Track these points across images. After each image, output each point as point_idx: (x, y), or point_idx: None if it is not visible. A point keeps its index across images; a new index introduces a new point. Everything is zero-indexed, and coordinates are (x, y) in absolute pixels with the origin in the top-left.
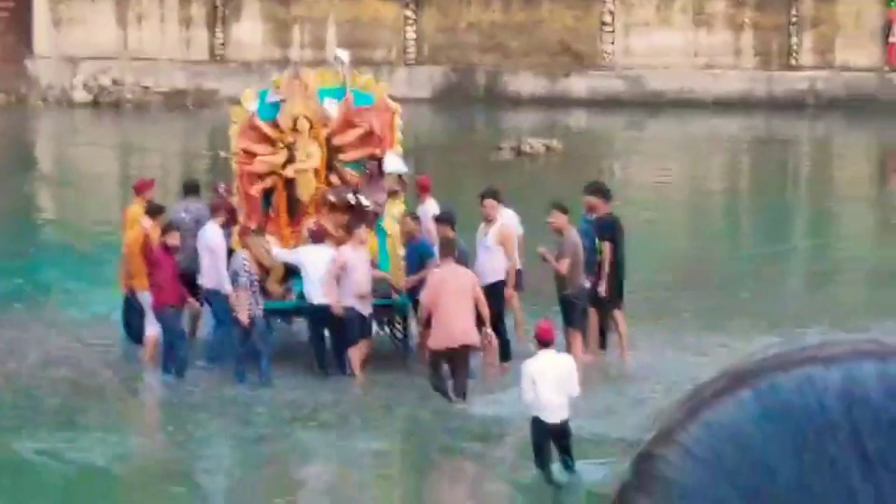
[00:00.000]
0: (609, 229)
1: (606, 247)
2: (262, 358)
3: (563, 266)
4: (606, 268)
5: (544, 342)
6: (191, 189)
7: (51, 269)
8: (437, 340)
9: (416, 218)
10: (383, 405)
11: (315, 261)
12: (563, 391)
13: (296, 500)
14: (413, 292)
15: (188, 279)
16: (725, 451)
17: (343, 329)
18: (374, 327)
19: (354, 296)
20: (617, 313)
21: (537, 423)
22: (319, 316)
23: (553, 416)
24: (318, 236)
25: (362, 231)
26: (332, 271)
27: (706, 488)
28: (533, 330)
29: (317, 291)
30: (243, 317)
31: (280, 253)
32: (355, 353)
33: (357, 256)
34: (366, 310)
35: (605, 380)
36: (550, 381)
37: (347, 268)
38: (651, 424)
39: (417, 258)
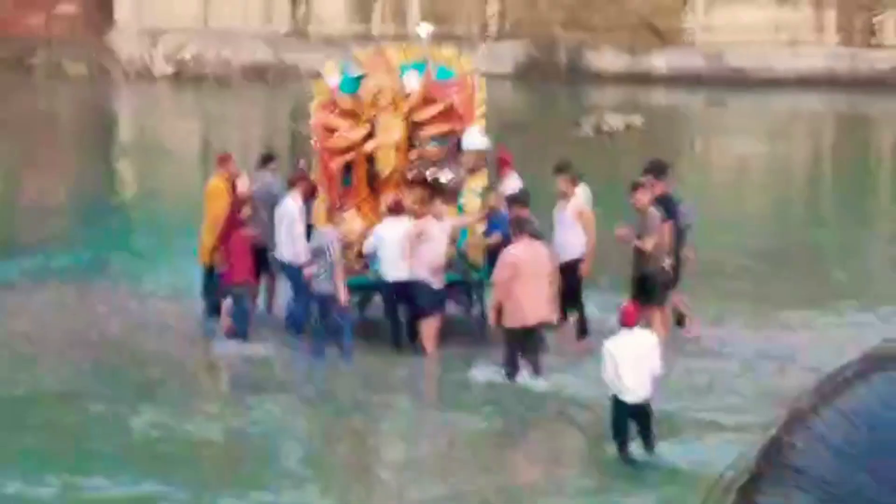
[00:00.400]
0: (667, 209)
1: (666, 227)
2: (343, 333)
3: (649, 244)
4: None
5: (627, 326)
6: (264, 161)
7: (132, 240)
8: (513, 318)
9: (497, 193)
10: (459, 380)
11: (392, 235)
12: (645, 370)
13: (377, 474)
14: (489, 270)
15: (257, 251)
16: (861, 438)
17: (416, 302)
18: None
19: (428, 269)
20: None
21: (617, 402)
22: (395, 291)
23: (634, 396)
24: (396, 210)
25: (438, 204)
26: (409, 237)
27: (841, 477)
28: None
29: (392, 266)
30: (342, 294)
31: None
32: (428, 328)
33: (434, 229)
34: (438, 284)
35: (682, 356)
36: (632, 359)
37: (424, 239)
38: (781, 412)
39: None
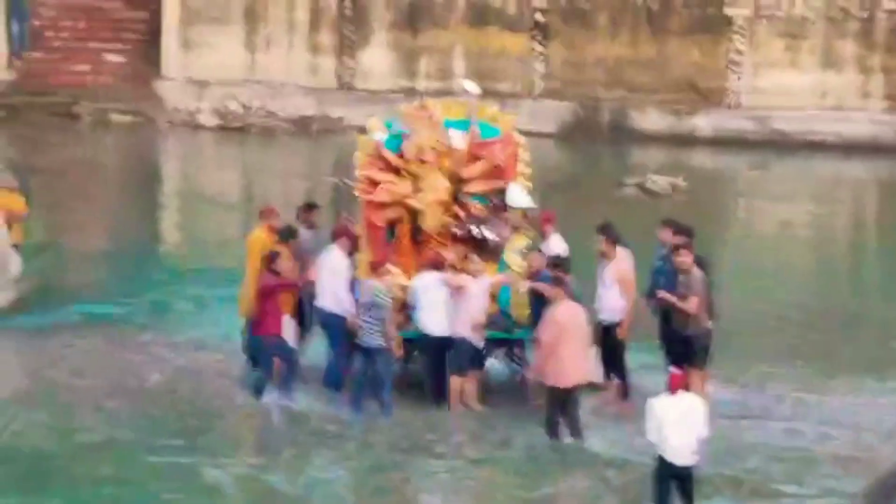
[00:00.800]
0: (704, 270)
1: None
2: (383, 387)
3: (693, 304)
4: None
5: (674, 390)
6: (304, 211)
7: (172, 289)
8: (558, 378)
9: (540, 252)
10: (500, 438)
11: (428, 288)
12: (692, 432)
13: None
14: (532, 327)
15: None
16: None
17: (455, 359)
18: (493, 360)
19: (468, 325)
20: None
21: (662, 463)
22: (433, 345)
23: (679, 458)
24: (432, 264)
25: (476, 261)
26: (448, 292)
27: None
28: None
29: (430, 320)
30: (395, 348)
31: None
32: (460, 384)
33: (473, 286)
34: (479, 342)
35: (724, 418)
36: (678, 421)
37: (464, 295)
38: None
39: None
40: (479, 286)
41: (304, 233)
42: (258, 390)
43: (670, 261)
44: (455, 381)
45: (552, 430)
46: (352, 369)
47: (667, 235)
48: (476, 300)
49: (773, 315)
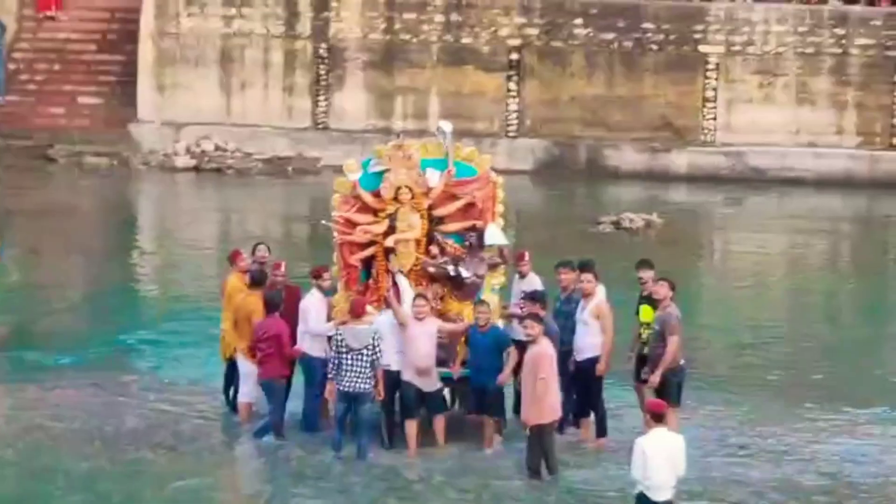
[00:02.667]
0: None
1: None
2: (363, 431)
3: (673, 344)
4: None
5: (657, 417)
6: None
7: (151, 332)
8: (538, 414)
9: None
10: (479, 478)
11: (383, 325)
12: (674, 469)
13: None
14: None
15: None
16: None
17: (401, 401)
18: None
19: (412, 369)
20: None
21: (643, 500)
22: (389, 383)
23: (660, 495)
24: (386, 304)
25: (420, 305)
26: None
27: None
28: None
29: (386, 357)
30: (381, 390)
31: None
32: (412, 427)
33: (416, 328)
34: (427, 385)
35: (700, 453)
36: (663, 459)
37: (407, 337)
38: None
39: (492, 341)
40: (422, 329)
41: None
42: (263, 431)
43: (572, 302)
44: (407, 425)
45: (537, 469)
46: (331, 412)
47: (645, 275)
48: (418, 342)
49: (750, 349)
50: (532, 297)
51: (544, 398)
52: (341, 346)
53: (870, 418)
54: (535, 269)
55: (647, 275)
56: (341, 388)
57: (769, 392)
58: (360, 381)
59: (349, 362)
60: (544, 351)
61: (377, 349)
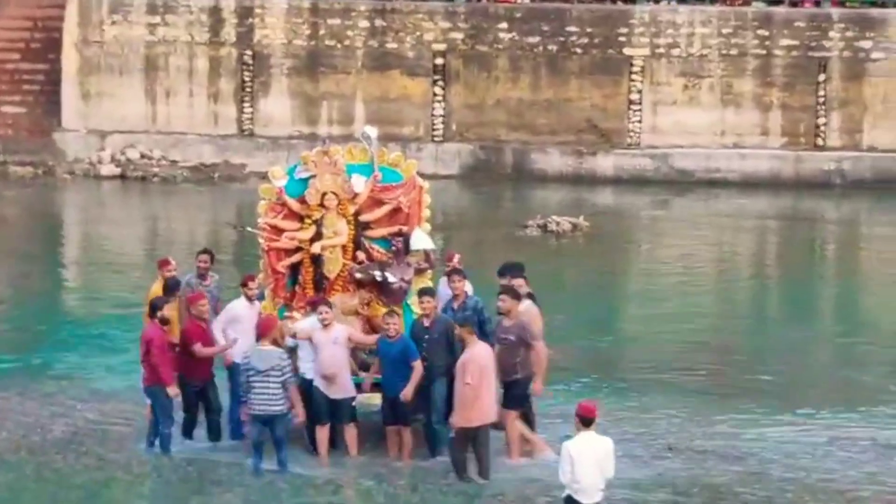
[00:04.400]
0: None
1: None
2: (281, 450)
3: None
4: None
5: (586, 421)
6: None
7: (75, 343)
8: (466, 419)
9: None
10: (409, 484)
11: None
12: (601, 472)
13: None
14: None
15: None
16: None
17: (309, 406)
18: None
19: (318, 375)
20: None
21: (572, 503)
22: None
23: (589, 497)
24: (313, 306)
25: (325, 311)
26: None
27: None
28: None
29: (303, 365)
30: (299, 410)
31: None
32: (321, 432)
33: (321, 335)
34: (333, 392)
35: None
36: (590, 462)
37: (314, 346)
38: None
39: (400, 353)
40: (328, 336)
41: (194, 280)
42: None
43: (467, 309)
44: (317, 430)
45: (462, 468)
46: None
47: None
48: (324, 350)
49: (677, 350)
50: (462, 320)
51: (473, 403)
52: (249, 369)
53: (799, 417)
54: (466, 271)
55: (518, 282)
56: (252, 411)
57: (695, 393)
58: (270, 403)
59: (258, 385)
60: (473, 356)
61: (285, 370)
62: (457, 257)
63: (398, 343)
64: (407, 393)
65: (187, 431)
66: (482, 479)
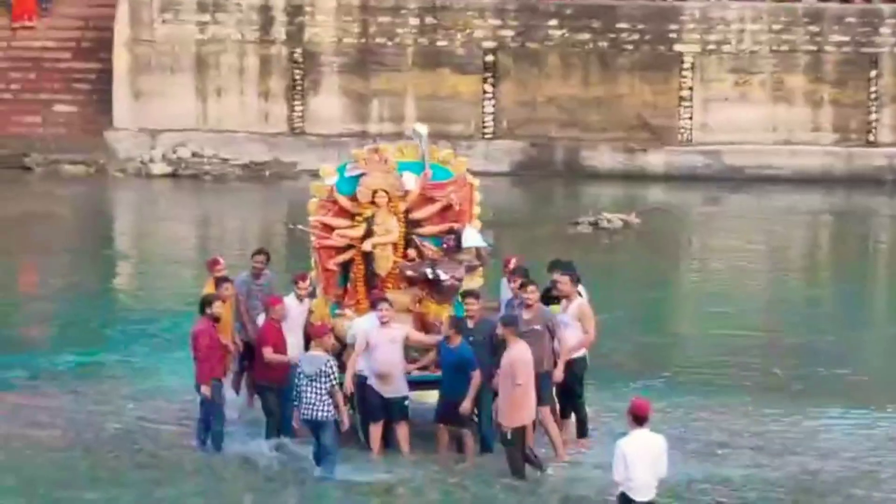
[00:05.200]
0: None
1: None
2: (327, 460)
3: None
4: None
5: (639, 419)
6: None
7: (128, 341)
8: (519, 418)
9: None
10: (457, 483)
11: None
12: (655, 470)
13: None
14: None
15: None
16: None
17: (361, 405)
18: None
19: (372, 374)
20: None
21: (625, 501)
22: (360, 388)
23: (643, 496)
24: (373, 304)
25: (385, 309)
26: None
27: None
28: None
29: (361, 363)
30: (345, 418)
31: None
32: (375, 431)
33: (381, 336)
34: (388, 391)
35: (683, 453)
36: (644, 460)
37: (370, 345)
38: None
39: (457, 360)
40: (385, 334)
41: (248, 279)
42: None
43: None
44: (371, 428)
45: (520, 470)
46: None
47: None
48: (380, 348)
49: (730, 347)
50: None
51: (524, 402)
52: (299, 373)
53: (858, 414)
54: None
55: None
56: (302, 415)
57: (749, 392)
58: (317, 408)
59: (306, 389)
60: (520, 355)
61: (331, 376)
62: (514, 260)
63: (457, 351)
64: (465, 407)
65: (276, 432)
66: (542, 471)
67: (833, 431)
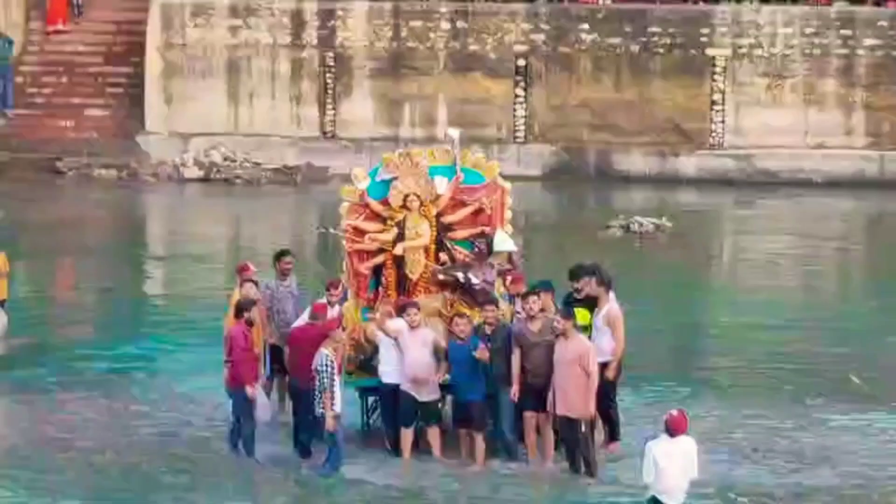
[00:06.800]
0: None
1: None
2: (329, 452)
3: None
4: None
5: (673, 433)
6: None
7: (159, 344)
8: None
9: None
10: (491, 488)
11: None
12: (686, 474)
13: None
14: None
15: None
16: None
17: (391, 411)
18: None
19: (406, 378)
20: None
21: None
22: (386, 393)
23: (673, 499)
24: (401, 309)
25: (414, 313)
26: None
27: None
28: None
29: (384, 367)
30: (329, 420)
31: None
32: (406, 435)
33: (409, 337)
34: (423, 395)
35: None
36: (674, 463)
37: (402, 348)
38: None
39: (469, 354)
40: (415, 338)
41: (274, 283)
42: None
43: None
44: (402, 433)
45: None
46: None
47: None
48: (412, 351)
49: (763, 352)
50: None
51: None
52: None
53: (893, 420)
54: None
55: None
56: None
57: (782, 395)
58: (316, 404)
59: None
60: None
61: (322, 374)
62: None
63: (467, 345)
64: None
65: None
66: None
67: (872, 440)
